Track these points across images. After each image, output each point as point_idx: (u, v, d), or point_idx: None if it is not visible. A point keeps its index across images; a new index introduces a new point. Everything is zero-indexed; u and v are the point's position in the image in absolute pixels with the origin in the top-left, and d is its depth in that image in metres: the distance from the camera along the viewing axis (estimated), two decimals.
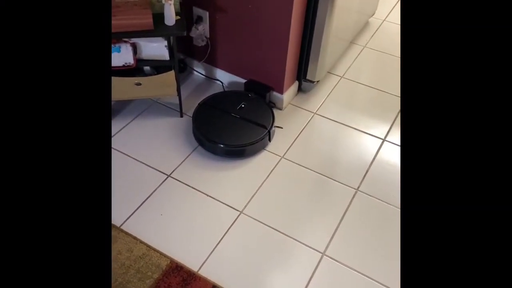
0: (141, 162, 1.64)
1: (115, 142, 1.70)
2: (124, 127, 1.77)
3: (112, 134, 1.74)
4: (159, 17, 1.52)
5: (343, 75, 2.09)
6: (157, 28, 1.51)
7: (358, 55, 2.23)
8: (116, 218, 1.45)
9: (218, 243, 1.40)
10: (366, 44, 2.30)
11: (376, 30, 2.40)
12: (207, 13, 1.77)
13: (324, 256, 1.38)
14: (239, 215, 1.48)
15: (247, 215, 1.49)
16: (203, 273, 1.33)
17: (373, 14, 2.43)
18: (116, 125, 1.77)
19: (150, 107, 1.87)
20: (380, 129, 1.82)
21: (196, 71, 2.03)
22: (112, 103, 1.86)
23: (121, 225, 1.44)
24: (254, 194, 1.55)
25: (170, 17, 1.51)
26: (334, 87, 2.03)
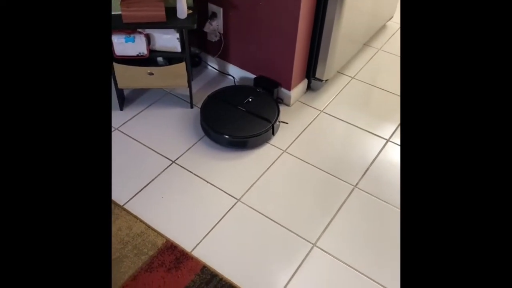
0: (148, 147, 1.72)
1: (127, 128, 1.80)
2: (136, 114, 1.86)
3: (125, 120, 1.83)
4: (172, 10, 1.61)
5: (354, 76, 2.11)
6: (170, 20, 1.59)
7: (372, 57, 2.24)
8: (120, 197, 1.54)
9: (213, 227, 1.46)
10: (381, 47, 2.31)
11: (393, 34, 2.41)
12: (221, 10, 1.85)
13: (315, 247, 1.42)
14: (236, 203, 1.54)
15: (244, 203, 1.54)
16: (196, 254, 1.38)
17: (390, 18, 2.43)
18: (129, 113, 1.87)
19: (163, 97, 1.95)
20: (386, 130, 1.83)
21: (210, 66, 2.10)
22: (127, 91, 1.97)
23: (124, 204, 1.52)
24: (253, 184, 1.60)
25: (182, 10, 1.58)
26: (344, 87, 2.05)
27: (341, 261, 1.38)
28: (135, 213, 1.49)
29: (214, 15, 1.88)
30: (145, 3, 1.54)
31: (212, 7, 1.87)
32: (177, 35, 1.66)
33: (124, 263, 1.35)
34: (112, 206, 1.50)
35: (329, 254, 1.40)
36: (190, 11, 1.63)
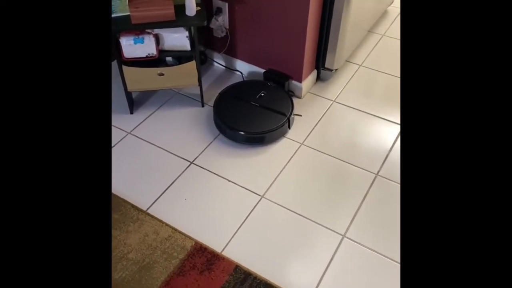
0: (165, 150, 1.69)
1: (140, 131, 1.76)
2: (148, 117, 1.83)
3: (137, 123, 1.80)
4: (180, 8, 1.57)
5: (362, 63, 2.10)
6: (179, 18, 1.55)
7: (377, 43, 2.23)
8: (143, 202, 1.51)
9: (241, 225, 1.45)
10: (384, 33, 2.30)
11: (395, 19, 2.40)
12: (227, 5, 1.81)
13: (345, 238, 1.41)
14: (260, 199, 1.52)
15: (268, 199, 1.52)
16: (227, 254, 1.37)
17: (391, 3, 2.42)
18: (140, 115, 1.83)
19: (173, 97, 1.92)
20: (399, 116, 1.83)
21: (217, 62, 2.07)
22: (136, 94, 1.93)
23: (148, 209, 1.49)
24: (275, 179, 1.59)
25: (191, 7, 1.55)
26: (353, 75, 2.04)
27: (373, 250, 1.37)
28: (160, 217, 1.46)
29: (219, 11, 1.85)
30: (154, 2, 1.50)
31: (217, 3, 1.83)
32: (186, 33, 1.63)
33: (155, 268, 1.33)
34: (136, 211, 1.48)
35: (360, 244, 1.39)
36: (199, 8, 1.60)
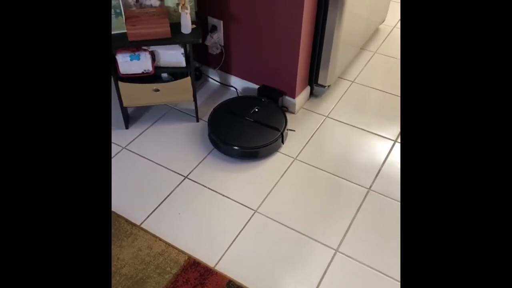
0: (159, 164, 1.71)
1: (135, 146, 1.78)
2: (143, 132, 1.84)
3: (132, 138, 1.81)
4: (176, 26, 1.61)
5: (354, 79, 2.14)
6: (174, 36, 1.59)
7: (369, 60, 2.27)
8: (137, 217, 1.51)
9: (234, 240, 1.45)
10: (376, 50, 2.35)
11: (387, 37, 2.45)
12: (221, 22, 1.85)
13: (338, 253, 1.42)
14: (253, 214, 1.53)
15: (261, 213, 1.53)
16: (220, 269, 1.37)
17: (383, 21, 2.48)
18: (135, 130, 1.85)
19: (168, 113, 1.94)
20: (392, 131, 1.86)
21: (211, 78, 2.10)
22: (131, 109, 1.95)
23: (141, 223, 1.50)
24: (268, 194, 1.60)
25: (187, 25, 1.59)
26: (346, 91, 2.07)
27: (366, 265, 1.38)
28: (153, 232, 1.47)
29: (214, 28, 1.89)
30: (150, 20, 1.54)
31: (212, 20, 1.87)
32: (182, 50, 1.66)
33: (148, 283, 1.33)
34: (129, 226, 1.48)
35: (352, 258, 1.40)
36: (194, 26, 1.63)
